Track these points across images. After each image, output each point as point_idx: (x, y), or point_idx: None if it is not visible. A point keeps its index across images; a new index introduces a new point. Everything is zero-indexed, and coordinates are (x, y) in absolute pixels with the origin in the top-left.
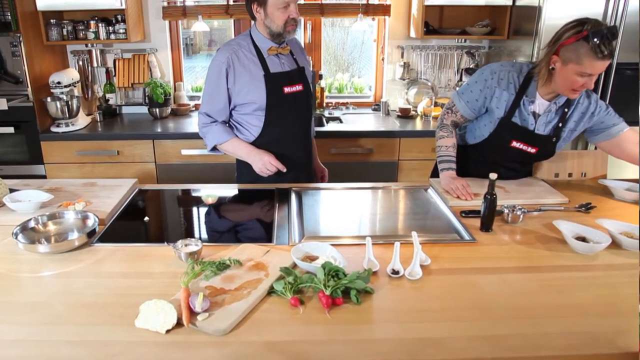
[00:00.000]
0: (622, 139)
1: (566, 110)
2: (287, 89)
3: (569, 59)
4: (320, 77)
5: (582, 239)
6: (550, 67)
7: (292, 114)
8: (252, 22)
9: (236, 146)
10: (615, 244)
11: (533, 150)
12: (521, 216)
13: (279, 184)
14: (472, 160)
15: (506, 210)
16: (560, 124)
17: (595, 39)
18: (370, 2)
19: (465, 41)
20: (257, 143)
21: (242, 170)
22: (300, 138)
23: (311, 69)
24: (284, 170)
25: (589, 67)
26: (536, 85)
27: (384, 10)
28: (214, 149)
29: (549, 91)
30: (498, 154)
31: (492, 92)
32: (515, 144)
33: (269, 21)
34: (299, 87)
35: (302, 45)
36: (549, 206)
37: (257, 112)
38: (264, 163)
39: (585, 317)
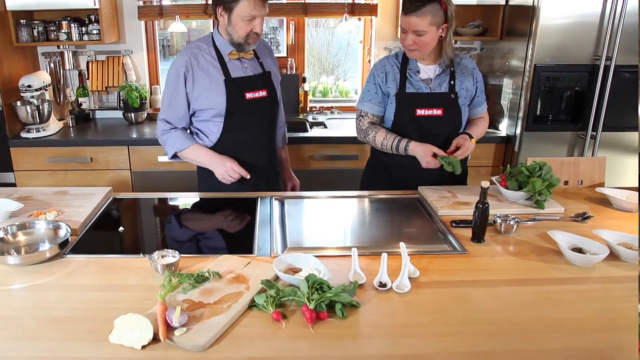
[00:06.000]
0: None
1: (452, 69)
2: (248, 95)
3: None
4: (304, 80)
5: (579, 250)
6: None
7: (254, 120)
8: (216, 23)
9: (197, 153)
10: (613, 255)
11: (439, 112)
12: (515, 226)
13: (243, 192)
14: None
15: (499, 220)
16: (452, 82)
17: None
18: (356, 1)
19: (455, 42)
20: (216, 149)
21: (202, 177)
22: (262, 145)
23: (279, 72)
24: (248, 176)
25: (401, 21)
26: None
27: (371, 10)
28: (174, 156)
29: (422, 56)
30: (412, 131)
31: (380, 79)
32: (420, 111)
33: (231, 29)
34: (262, 93)
35: (271, 48)
36: (543, 215)
37: (216, 119)
38: (227, 169)
39: (582, 332)
